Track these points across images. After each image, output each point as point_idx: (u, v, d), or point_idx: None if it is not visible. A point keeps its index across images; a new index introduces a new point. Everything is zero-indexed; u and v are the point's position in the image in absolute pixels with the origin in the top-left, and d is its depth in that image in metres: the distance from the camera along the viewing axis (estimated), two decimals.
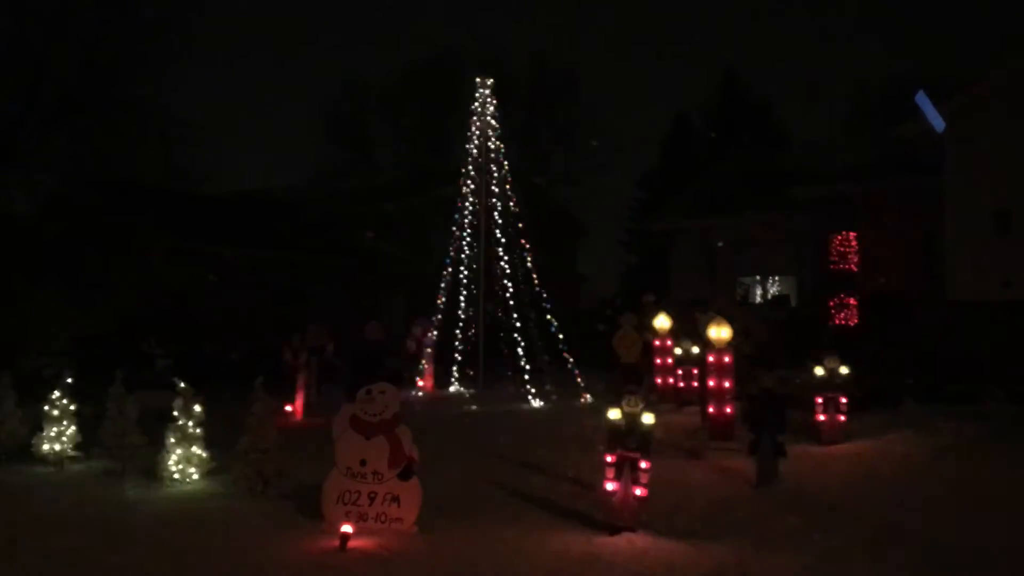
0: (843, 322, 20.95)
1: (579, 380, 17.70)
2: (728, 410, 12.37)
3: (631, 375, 14.71)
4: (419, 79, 41.88)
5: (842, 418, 12.31)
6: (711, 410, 12.57)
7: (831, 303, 21.25)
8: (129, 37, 22.31)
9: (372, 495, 7.66)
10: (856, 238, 21.75)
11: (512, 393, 17.44)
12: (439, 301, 19.27)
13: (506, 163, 18.78)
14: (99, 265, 21.39)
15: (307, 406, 15.58)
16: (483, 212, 18.53)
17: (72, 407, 10.99)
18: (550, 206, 32.30)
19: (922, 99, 19.04)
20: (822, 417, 12.27)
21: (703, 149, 36.70)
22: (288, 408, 15.18)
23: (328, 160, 44.58)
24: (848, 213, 21.78)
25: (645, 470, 7.69)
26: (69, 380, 11.20)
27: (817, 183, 22.54)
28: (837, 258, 21.75)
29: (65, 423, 10.84)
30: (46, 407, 10.91)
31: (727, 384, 12.46)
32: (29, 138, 22.29)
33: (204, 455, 9.68)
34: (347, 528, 7.33)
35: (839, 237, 21.79)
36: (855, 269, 21.63)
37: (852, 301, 21.13)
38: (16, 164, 22.20)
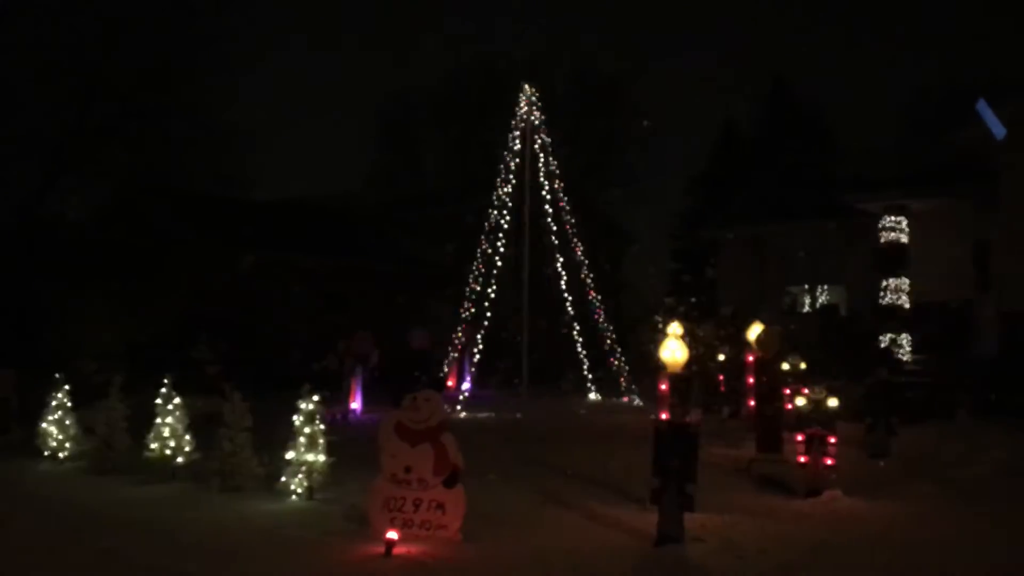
0: (894, 333, 20.57)
1: (623, 387, 17.68)
2: (777, 420, 12.19)
3: (676, 385, 14.60)
4: (465, 86, 42.05)
5: (892, 431, 12.12)
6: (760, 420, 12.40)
7: (882, 313, 20.88)
8: (182, 46, 22.75)
9: (417, 502, 7.67)
10: (908, 247, 21.36)
11: (557, 400, 17.42)
12: (468, 308, 19.23)
13: (553, 169, 18.77)
14: (151, 270, 21.78)
15: (353, 412, 15.73)
16: (527, 219, 18.54)
17: (124, 412, 11.19)
18: (596, 213, 32.23)
19: (983, 107, 18.73)
20: (871, 429, 12.10)
21: (751, 156, 36.29)
22: (336, 414, 15.33)
23: (375, 167, 44.93)
24: (900, 221, 21.41)
25: (691, 480, 7.62)
26: (120, 385, 11.41)
27: (868, 190, 22.19)
28: (888, 267, 21.37)
29: (117, 428, 11.04)
30: (98, 413, 11.14)
31: (777, 393, 12.28)
32: (84, 146, 22.82)
33: (252, 460, 9.79)
34: (392, 535, 7.37)
35: (890, 246, 21.42)
36: (907, 279, 21.24)
37: (904, 311, 20.75)
38: (71, 171, 22.76)
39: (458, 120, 42.86)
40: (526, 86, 19.09)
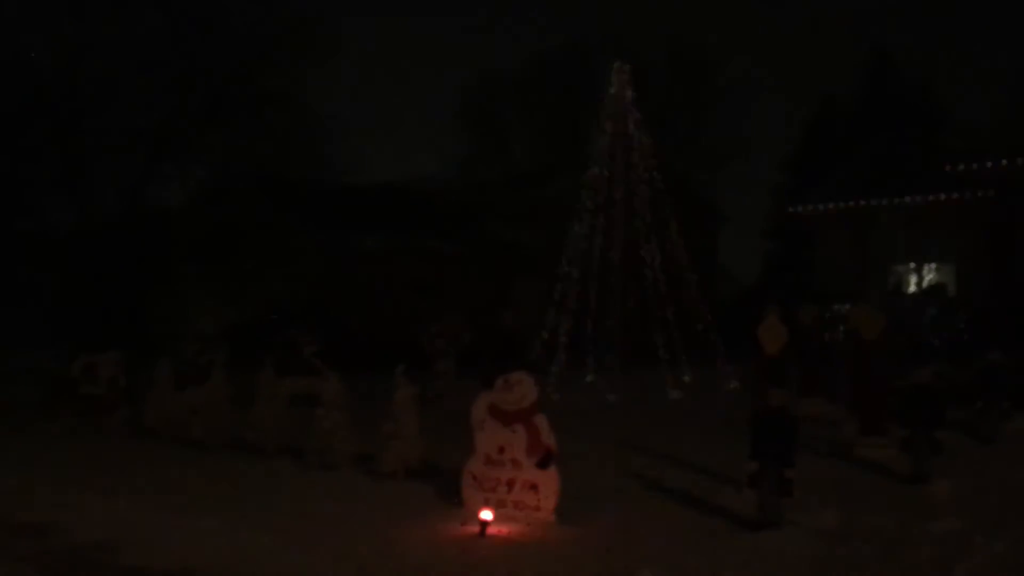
0: (1008, 312, 19.60)
1: (720, 370, 17.34)
2: (880, 404, 11.79)
3: (775, 368, 14.24)
4: (553, 66, 41.85)
5: (1002, 415, 11.59)
6: (863, 404, 12.01)
7: (994, 292, 19.94)
8: (275, 33, 23.23)
9: (510, 483, 7.68)
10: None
11: (650, 382, 17.19)
12: (556, 289, 19.12)
13: (646, 148, 18.49)
14: (250, 255, 22.37)
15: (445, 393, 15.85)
16: (620, 200, 18.30)
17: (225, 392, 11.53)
18: (689, 193, 31.74)
19: None
20: (980, 413, 11.58)
21: (852, 130, 35.19)
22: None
23: (464, 149, 45.17)
24: (1017, 196, 20.33)
25: (790, 464, 7.43)
26: (223, 365, 11.76)
27: (981, 163, 21.10)
28: (1001, 243, 20.37)
29: (219, 407, 11.38)
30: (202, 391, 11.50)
31: (879, 377, 11.87)
32: (183, 132, 23.54)
33: (349, 440, 9.95)
34: (486, 514, 7.38)
35: (1003, 222, 20.42)
36: (1020, 256, 20.21)
37: (1018, 291, 19.75)
38: (171, 158, 23.55)
39: (546, 100, 42.72)
40: (617, 64, 18.81)
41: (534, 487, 7.63)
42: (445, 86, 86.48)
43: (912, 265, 23.98)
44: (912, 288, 23.82)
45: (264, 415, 10.84)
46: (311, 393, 10.44)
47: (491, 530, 7.30)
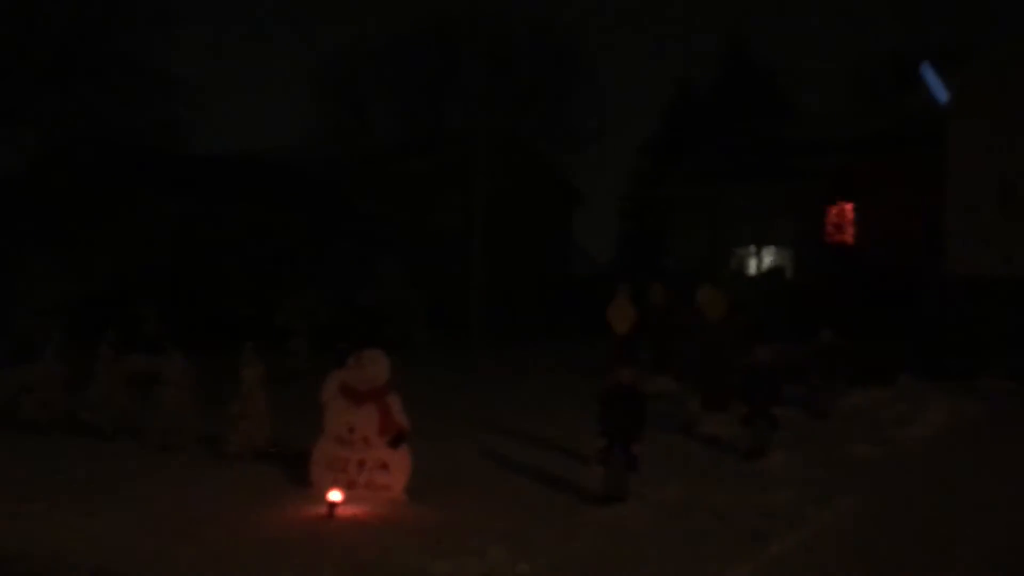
0: (839, 295, 20.81)
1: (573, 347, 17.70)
2: (723, 381, 12.28)
3: (625, 346, 14.64)
4: (415, 43, 41.41)
5: (835, 392, 12.29)
6: (705, 380, 12.49)
7: (828, 275, 21.12)
8: None
9: (361, 462, 7.62)
10: (854, 209, 21.62)
11: (502, 358, 17.35)
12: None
13: (500, 129, 18.61)
14: (91, 225, 21.20)
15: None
16: (477, 177, 18.34)
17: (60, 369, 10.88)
18: (546, 173, 32.13)
19: (926, 70, 18.85)
20: (815, 390, 12.24)
21: (705, 117, 36.41)
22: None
23: (322, 123, 44.18)
24: (848, 185, 21.62)
25: (637, 440, 7.65)
26: (60, 342, 11.08)
27: (818, 154, 22.35)
28: (833, 230, 21.61)
29: (55, 386, 10.74)
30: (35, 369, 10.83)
31: (721, 354, 12.36)
32: (18, 95, 22.04)
33: (193, 420, 9.59)
34: (335, 495, 7.27)
35: (834, 208, 21.67)
36: (851, 241, 21.50)
37: (849, 274, 21.00)
38: (4, 121, 22.03)
39: (406, 78, 42.23)
40: (475, 43, 18.81)
41: (385, 466, 7.59)
42: (303, 58, 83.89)
43: (753, 248, 25.13)
44: (753, 270, 24.96)
45: (102, 394, 10.29)
46: (153, 371, 9.98)
47: (341, 511, 7.20)
